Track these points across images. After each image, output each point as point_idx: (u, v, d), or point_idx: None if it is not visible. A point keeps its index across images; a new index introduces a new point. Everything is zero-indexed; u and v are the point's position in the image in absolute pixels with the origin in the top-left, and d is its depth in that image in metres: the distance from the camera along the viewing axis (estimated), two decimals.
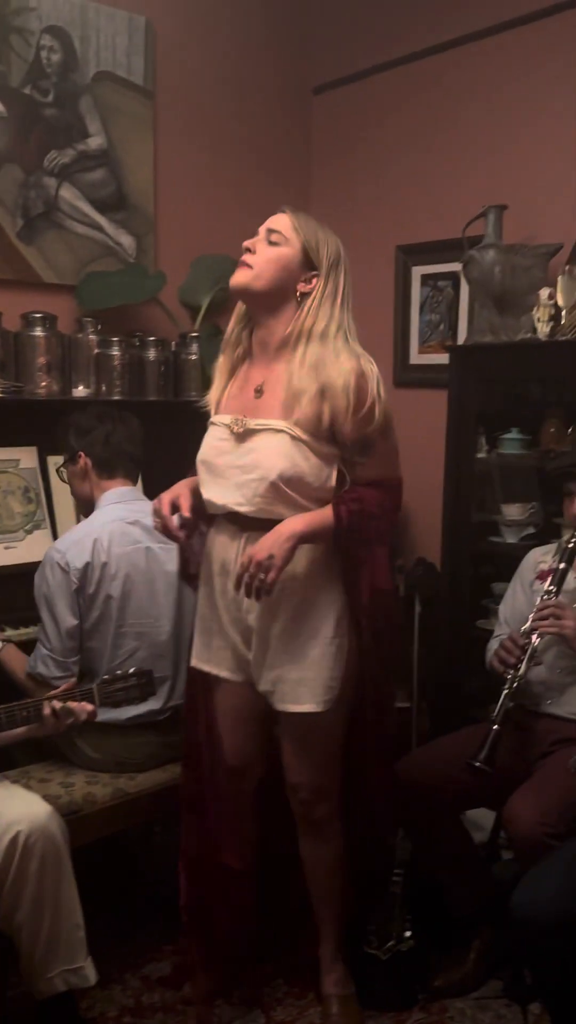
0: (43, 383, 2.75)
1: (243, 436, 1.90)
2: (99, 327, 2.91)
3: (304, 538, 1.83)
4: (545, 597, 2.18)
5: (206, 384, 2.98)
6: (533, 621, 2.16)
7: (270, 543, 1.79)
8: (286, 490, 1.86)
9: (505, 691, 2.10)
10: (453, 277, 3.16)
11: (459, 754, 2.17)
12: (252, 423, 1.90)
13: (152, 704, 2.21)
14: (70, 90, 2.97)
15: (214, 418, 1.99)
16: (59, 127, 2.95)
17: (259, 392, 1.93)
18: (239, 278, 1.89)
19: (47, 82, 2.91)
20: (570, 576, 2.26)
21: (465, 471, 2.83)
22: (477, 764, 2.01)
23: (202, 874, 2.14)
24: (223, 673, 2.05)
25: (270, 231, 1.89)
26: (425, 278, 3.28)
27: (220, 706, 2.09)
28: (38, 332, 2.75)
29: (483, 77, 3.03)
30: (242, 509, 1.90)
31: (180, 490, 1.98)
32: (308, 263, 1.89)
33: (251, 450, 1.89)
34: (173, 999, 2.20)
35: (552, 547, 2.40)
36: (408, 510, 3.32)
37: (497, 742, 2.03)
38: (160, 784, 2.29)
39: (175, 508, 1.94)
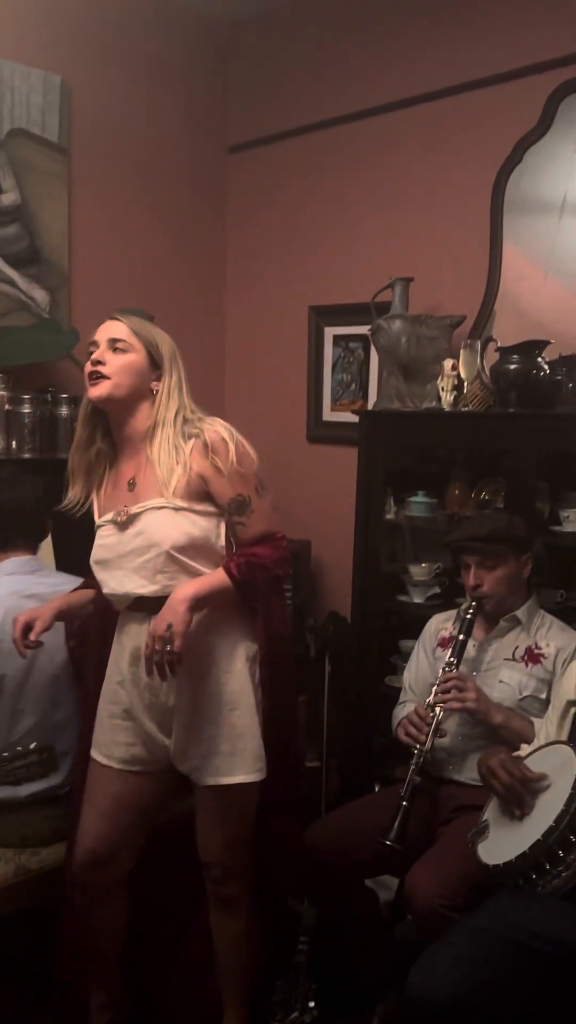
0: None
1: (127, 524, 1.94)
2: (10, 383, 2.89)
3: (198, 600, 1.85)
4: (447, 669, 2.24)
5: None
6: (436, 695, 2.21)
7: (165, 613, 1.82)
8: (183, 559, 1.90)
9: (413, 766, 2.14)
10: (364, 339, 3.21)
11: (366, 822, 2.21)
12: (134, 509, 1.94)
13: (53, 779, 2.19)
14: None
15: (99, 521, 2.02)
16: None
17: (132, 484, 1.98)
18: (99, 391, 1.92)
19: None
20: (470, 645, 2.34)
21: (374, 528, 2.87)
22: (388, 843, 2.04)
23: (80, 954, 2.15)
24: (119, 764, 2.02)
25: (113, 340, 1.94)
26: (337, 339, 3.33)
27: (103, 792, 2.05)
28: None
29: (393, 149, 3.10)
30: (146, 591, 1.91)
31: (38, 613, 2.02)
32: (153, 362, 1.97)
33: (139, 532, 1.92)
34: None
35: (453, 613, 2.45)
36: (319, 564, 3.39)
37: (407, 818, 2.07)
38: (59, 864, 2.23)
39: (28, 629, 1.98)
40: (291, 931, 2.32)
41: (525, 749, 2.01)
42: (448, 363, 2.67)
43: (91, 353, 1.95)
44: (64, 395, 3.00)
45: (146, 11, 3.32)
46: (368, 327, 3.00)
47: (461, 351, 2.65)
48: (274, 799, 2.08)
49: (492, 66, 2.82)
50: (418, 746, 2.17)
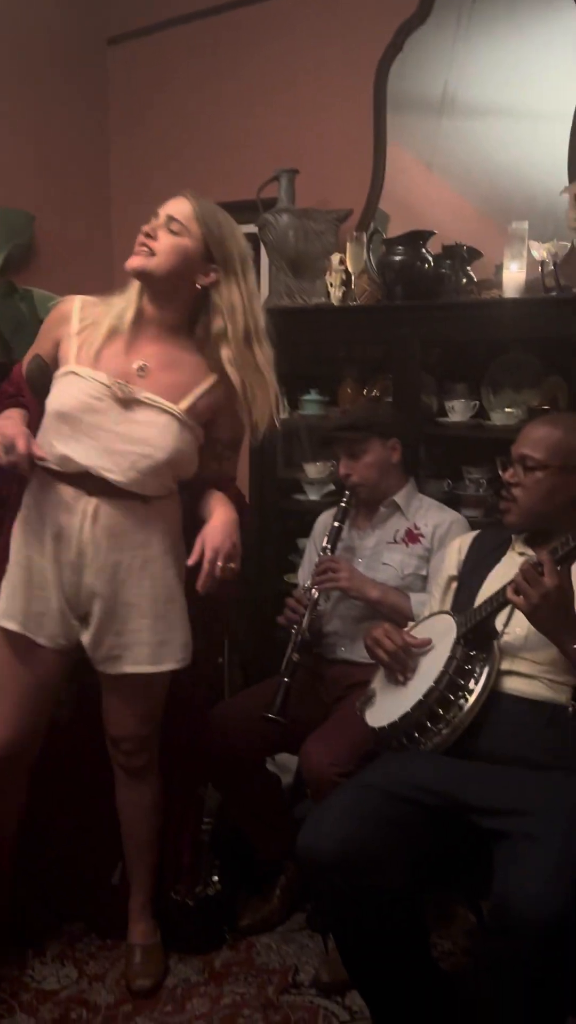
0: None
1: (127, 404, 1.85)
2: None
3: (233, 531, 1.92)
4: (322, 554, 2.32)
5: (2, 344, 2.93)
6: (312, 577, 2.29)
7: (229, 533, 1.89)
8: (166, 470, 1.89)
9: (290, 645, 2.21)
10: (252, 239, 3.14)
11: (259, 705, 2.24)
12: (140, 394, 1.86)
13: None
14: None
15: (78, 369, 1.88)
16: None
17: (143, 369, 1.88)
18: (135, 263, 1.84)
19: None
20: (355, 535, 2.40)
21: (270, 433, 2.88)
22: (271, 716, 2.11)
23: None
24: (34, 635, 1.93)
25: (170, 219, 1.84)
26: None
27: (19, 668, 1.97)
28: None
29: (276, 37, 3.05)
30: (110, 476, 1.84)
31: (13, 431, 1.79)
32: (208, 255, 1.86)
33: (137, 422, 1.86)
34: None
35: (339, 509, 2.47)
36: None
37: (288, 693, 2.14)
38: None
39: (11, 447, 1.77)
40: (195, 815, 2.36)
41: (410, 627, 2.07)
42: (336, 257, 2.68)
43: (155, 219, 1.86)
44: None
45: None
46: (255, 225, 2.94)
47: (348, 245, 2.66)
48: (188, 688, 2.16)
49: None
50: (295, 627, 2.25)
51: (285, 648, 2.44)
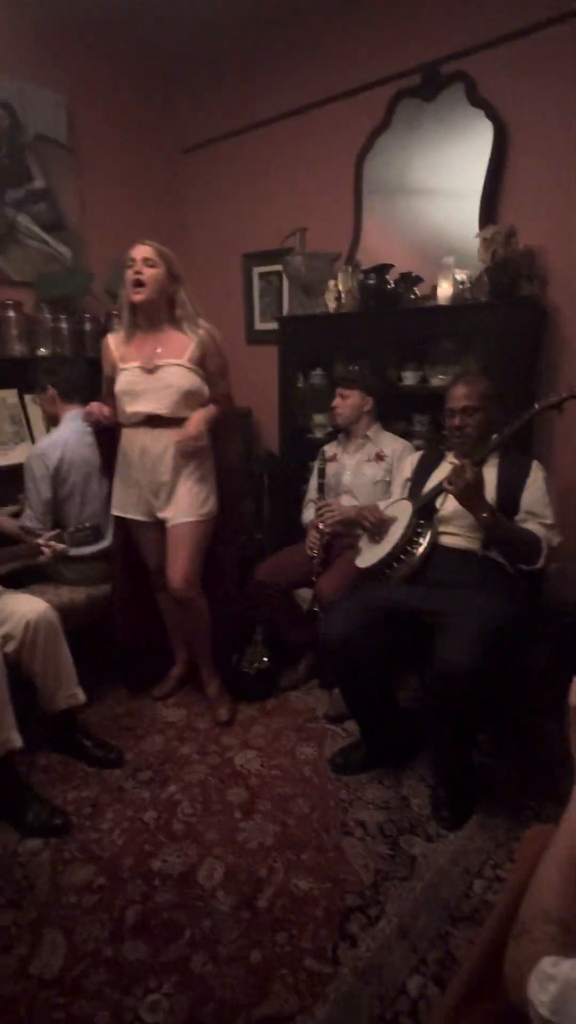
0: (16, 348, 2.60)
1: (153, 371, 1.91)
2: (52, 309, 2.73)
3: (208, 421, 1.95)
4: (318, 499, 2.31)
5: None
6: (316, 518, 2.25)
7: (197, 424, 1.92)
8: (190, 398, 1.94)
9: (315, 558, 2.22)
10: (278, 274, 3.09)
11: (290, 558, 2.29)
12: (160, 362, 1.92)
13: (102, 544, 2.19)
14: (17, 145, 2.68)
15: (122, 366, 1.96)
16: (11, 172, 2.68)
17: (156, 349, 1.93)
18: (140, 296, 1.88)
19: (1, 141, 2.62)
20: (346, 456, 2.34)
21: (291, 395, 2.84)
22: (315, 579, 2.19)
23: (132, 625, 2.23)
24: (138, 516, 2.06)
25: (145, 259, 1.86)
26: (262, 276, 3.20)
27: (138, 533, 2.11)
28: (11, 314, 2.58)
29: (294, 143, 2.91)
30: (162, 412, 1.93)
31: (99, 404, 2.01)
32: (170, 274, 1.91)
33: (162, 378, 1.91)
34: (131, 707, 2.24)
35: (334, 442, 2.45)
36: (258, 421, 3.34)
37: (317, 573, 2.21)
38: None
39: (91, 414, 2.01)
40: (250, 627, 2.35)
41: (382, 504, 2.06)
42: (331, 283, 2.61)
43: (130, 266, 1.86)
44: (87, 315, 2.83)
45: (122, 50, 2.98)
46: (279, 265, 2.89)
47: (339, 274, 2.58)
48: (223, 547, 2.16)
49: (355, 81, 2.63)
50: (315, 553, 2.23)
51: (298, 526, 2.46)
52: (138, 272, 1.85)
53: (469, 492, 1.67)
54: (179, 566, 2.01)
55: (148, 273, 1.86)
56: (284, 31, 2.80)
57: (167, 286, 1.90)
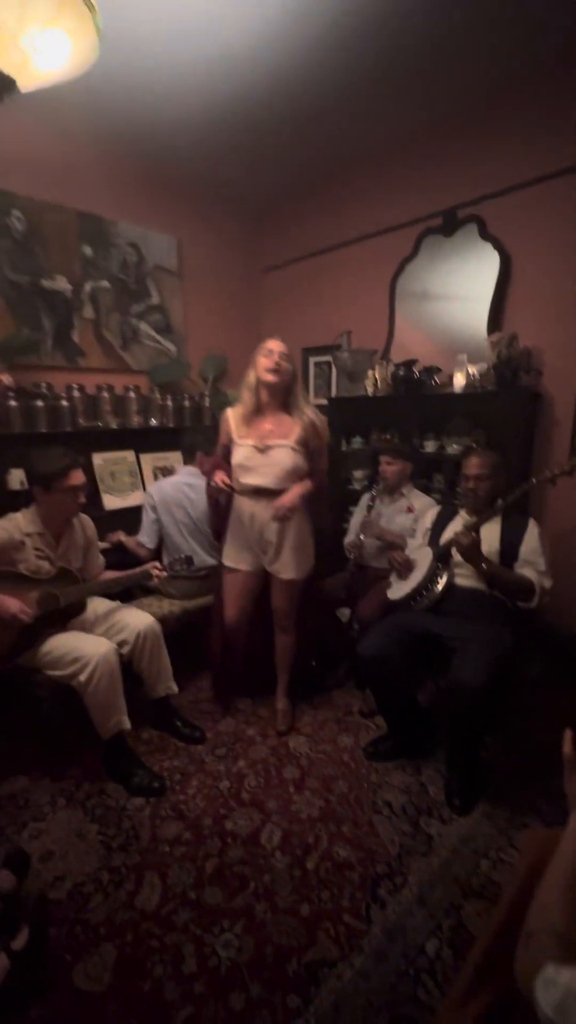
0: (135, 419, 2.71)
1: (265, 451, 1.80)
2: (160, 391, 2.86)
3: (303, 495, 1.81)
4: (367, 514, 2.25)
5: (217, 418, 2.98)
6: (360, 530, 2.22)
7: (292, 496, 1.78)
8: (292, 474, 1.81)
9: (351, 563, 2.19)
10: (328, 364, 3.14)
11: (337, 582, 2.28)
12: (272, 443, 1.80)
13: (193, 569, 2.11)
14: (141, 274, 2.85)
15: (239, 441, 1.83)
16: (136, 293, 2.85)
17: (270, 429, 1.82)
18: (272, 379, 1.77)
19: (129, 271, 2.79)
20: (384, 505, 2.31)
21: (338, 455, 2.85)
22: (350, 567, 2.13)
23: (225, 651, 2.09)
24: (241, 567, 1.94)
25: (282, 354, 1.79)
26: (316, 364, 3.24)
27: (234, 584, 1.96)
28: (132, 394, 2.69)
29: (345, 266, 2.96)
30: (269, 486, 1.82)
31: (221, 473, 1.85)
32: (294, 371, 1.83)
33: (271, 456, 1.81)
34: (211, 695, 2.20)
35: (371, 493, 2.40)
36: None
37: (352, 582, 2.19)
38: (202, 606, 2.25)
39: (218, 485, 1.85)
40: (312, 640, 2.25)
41: (407, 549, 2.05)
42: (370, 372, 2.63)
43: (268, 356, 1.77)
44: (187, 395, 2.93)
45: (219, 200, 3.14)
46: (330, 356, 2.95)
47: (376, 365, 2.61)
48: (308, 589, 2.03)
49: (391, 222, 2.69)
50: (353, 554, 2.19)
51: (341, 554, 2.44)
52: (277, 362, 1.77)
53: (469, 552, 1.67)
54: (281, 607, 1.95)
55: (284, 365, 1.79)
56: (337, 183, 2.89)
57: (290, 378, 1.82)
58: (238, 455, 1.84)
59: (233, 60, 1.97)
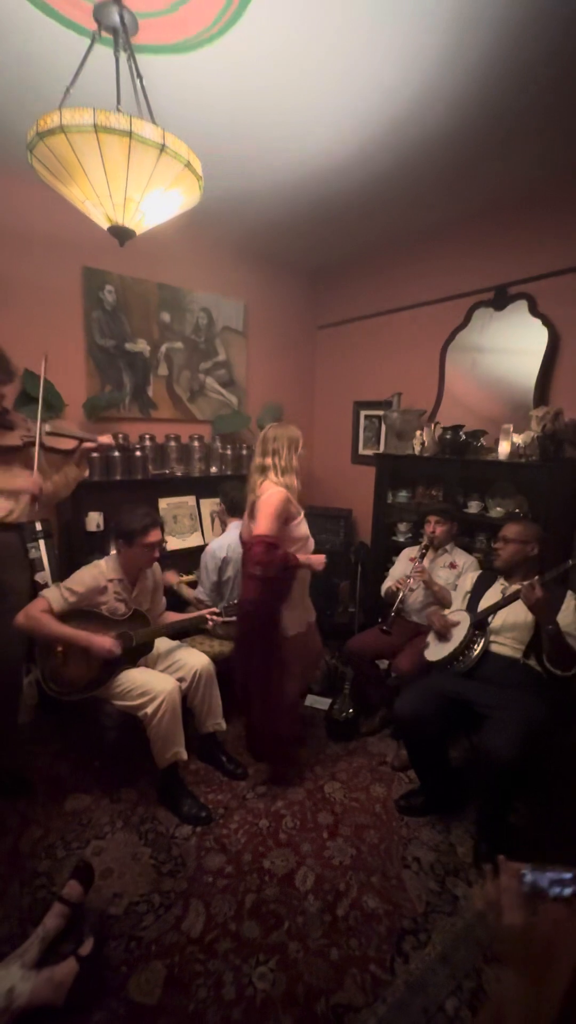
0: (197, 467, 2.88)
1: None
2: (222, 440, 3.01)
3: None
4: (418, 561, 2.28)
5: None
6: (410, 574, 2.25)
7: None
8: None
9: (395, 606, 2.19)
10: (378, 417, 3.22)
11: (372, 639, 2.29)
12: None
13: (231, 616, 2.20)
14: (211, 335, 3.04)
15: (302, 517, 1.85)
16: (205, 352, 3.04)
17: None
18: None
19: (200, 332, 3.00)
20: (428, 560, 2.34)
21: (383, 507, 2.89)
22: (384, 629, 2.12)
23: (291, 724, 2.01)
24: (303, 629, 1.91)
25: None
26: (366, 416, 3.32)
27: (301, 646, 1.90)
28: (195, 443, 2.84)
29: (397, 330, 3.06)
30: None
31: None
32: None
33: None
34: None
35: (415, 547, 2.45)
36: (356, 519, 3.41)
37: (392, 623, 2.14)
38: None
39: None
40: (340, 684, 2.38)
41: (447, 612, 2.08)
42: (418, 432, 2.70)
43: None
44: (246, 444, 3.08)
45: (282, 267, 3.34)
46: (382, 411, 3.05)
47: (424, 427, 2.68)
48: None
49: (444, 292, 2.80)
50: (400, 592, 2.18)
51: (386, 611, 2.49)
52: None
53: (540, 604, 1.64)
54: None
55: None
56: (392, 255, 3.04)
57: None
58: (305, 527, 1.85)
59: (317, 170, 2.16)
